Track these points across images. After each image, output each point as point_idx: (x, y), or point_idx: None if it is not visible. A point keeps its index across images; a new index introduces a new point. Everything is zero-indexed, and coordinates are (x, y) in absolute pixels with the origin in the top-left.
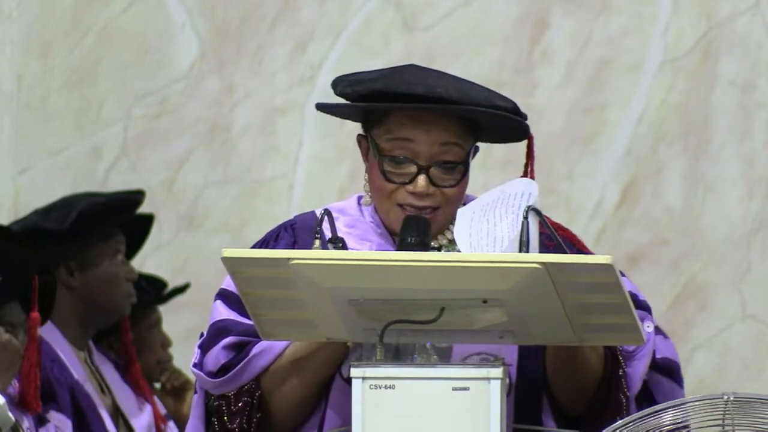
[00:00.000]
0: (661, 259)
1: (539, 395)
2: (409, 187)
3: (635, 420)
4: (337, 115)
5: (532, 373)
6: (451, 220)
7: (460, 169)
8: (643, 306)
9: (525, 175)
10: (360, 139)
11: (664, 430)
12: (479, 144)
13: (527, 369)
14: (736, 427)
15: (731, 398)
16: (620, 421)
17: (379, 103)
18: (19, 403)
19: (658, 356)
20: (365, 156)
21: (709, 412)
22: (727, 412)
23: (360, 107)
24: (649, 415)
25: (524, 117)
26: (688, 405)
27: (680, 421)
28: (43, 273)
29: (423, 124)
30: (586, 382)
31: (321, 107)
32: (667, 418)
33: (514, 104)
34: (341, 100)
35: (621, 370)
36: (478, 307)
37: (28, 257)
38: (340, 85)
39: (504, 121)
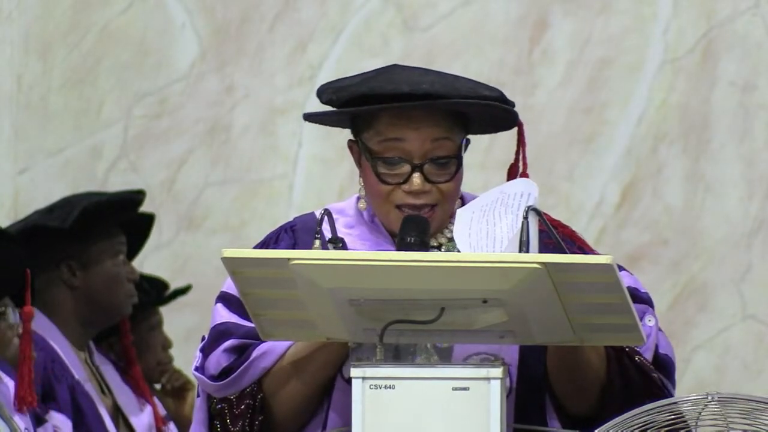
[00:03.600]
0: (661, 259)
1: (542, 395)
2: (405, 187)
3: (626, 419)
4: (325, 124)
5: (534, 373)
6: (450, 217)
7: (453, 163)
8: (644, 299)
9: (516, 162)
10: (351, 144)
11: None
12: (471, 137)
13: (529, 369)
14: (732, 426)
15: (716, 398)
16: (610, 422)
17: (365, 106)
18: (15, 400)
19: (660, 351)
20: (358, 161)
21: (695, 411)
22: (703, 413)
23: (346, 113)
24: (638, 414)
25: (512, 104)
26: (672, 405)
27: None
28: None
29: (412, 123)
30: (588, 382)
31: (308, 117)
32: (656, 416)
33: (501, 93)
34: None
35: (638, 357)
36: (478, 307)
37: (17, 254)
38: (325, 93)
39: (492, 111)
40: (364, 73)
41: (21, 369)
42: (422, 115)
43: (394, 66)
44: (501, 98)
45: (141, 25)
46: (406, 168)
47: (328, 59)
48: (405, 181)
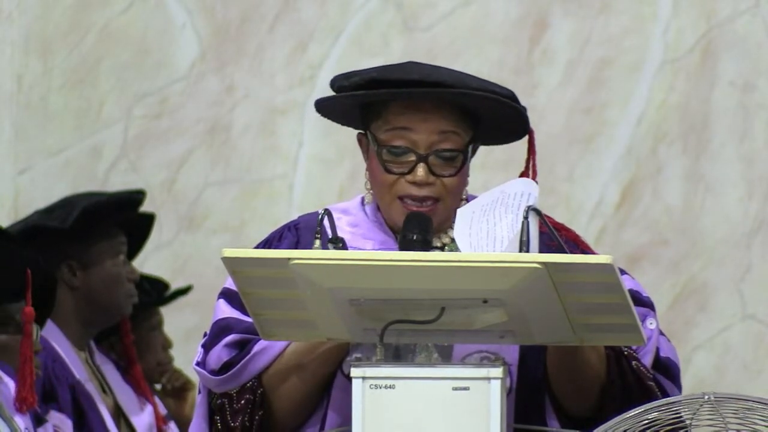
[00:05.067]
0: (661, 259)
1: (542, 395)
2: (409, 177)
3: (624, 419)
4: (336, 120)
5: (534, 373)
6: (453, 216)
7: (459, 158)
8: (646, 303)
9: (526, 170)
10: (360, 137)
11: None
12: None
13: (529, 369)
14: (729, 426)
15: (712, 398)
16: (609, 422)
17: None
18: (15, 400)
19: (662, 354)
20: (366, 153)
21: (689, 411)
22: (699, 413)
23: (357, 96)
24: (636, 415)
25: (524, 108)
26: (669, 405)
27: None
28: (42, 272)
29: (420, 113)
30: (588, 382)
31: (319, 105)
32: (654, 416)
33: (512, 92)
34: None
35: (635, 362)
36: (478, 307)
37: (17, 254)
38: (337, 81)
39: (502, 109)
40: (377, 66)
41: (22, 370)
42: (431, 107)
43: (409, 62)
44: (511, 97)
45: (141, 25)
46: (411, 158)
47: (328, 59)
48: (409, 172)
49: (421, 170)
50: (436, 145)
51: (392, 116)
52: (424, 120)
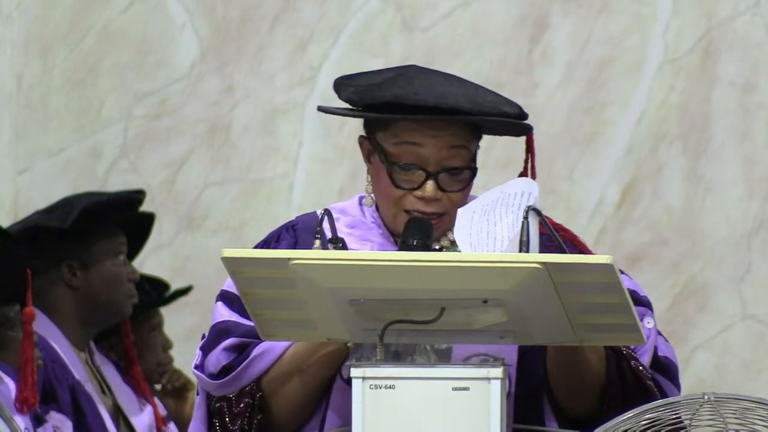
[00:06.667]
0: (661, 259)
1: (540, 396)
2: (418, 193)
3: (625, 419)
4: (339, 115)
5: (533, 374)
6: (454, 219)
7: (467, 173)
8: (643, 302)
9: (525, 170)
10: (362, 140)
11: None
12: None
13: (528, 369)
14: (729, 426)
15: (711, 398)
16: (610, 422)
17: (388, 114)
18: (17, 401)
19: (660, 354)
20: (367, 158)
21: (689, 411)
22: (698, 413)
23: (371, 118)
24: (636, 415)
25: (526, 116)
26: (668, 405)
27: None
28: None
29: (431, 130)
30: (587, 383)
31: (324, 110)
32: (654, 416)
33: (520, 108)
34: (344, 102)
35: (634, 362)
36: (478, 307)
37: (17, 254)
38: (344, 90)
39: (512, 125)
40: (382, 71)
41: (24, 370)
42: (443, 125)
43: (414, 67)
44: (520, 115)
45: (141, 25)
46: (421, 175)
47: (328, 59)
48: (418, 187)
49: (430, 187)
50: (445, 161)
51: (402, 131)
52: (434, 136)
